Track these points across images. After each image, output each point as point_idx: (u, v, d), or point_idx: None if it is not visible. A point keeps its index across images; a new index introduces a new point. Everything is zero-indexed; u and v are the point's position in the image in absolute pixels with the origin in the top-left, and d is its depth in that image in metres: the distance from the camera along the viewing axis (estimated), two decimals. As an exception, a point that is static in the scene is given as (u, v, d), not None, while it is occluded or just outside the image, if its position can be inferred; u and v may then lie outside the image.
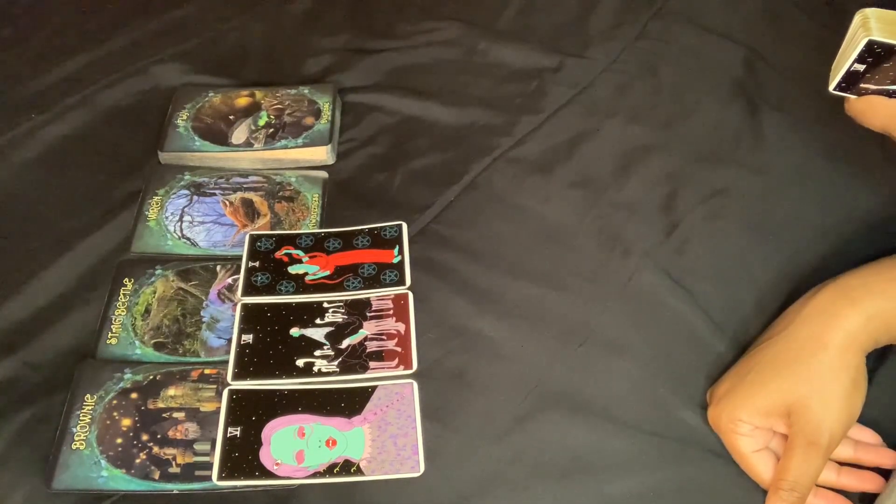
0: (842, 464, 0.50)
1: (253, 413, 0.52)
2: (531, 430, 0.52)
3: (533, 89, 0.74)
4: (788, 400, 0.48)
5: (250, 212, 0.65)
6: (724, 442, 0.51)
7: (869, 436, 0.51)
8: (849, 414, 0.48)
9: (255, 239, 0.63)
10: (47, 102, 0.73)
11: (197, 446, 0.51)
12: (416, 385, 0.54)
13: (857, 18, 0.52)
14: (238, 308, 0.58)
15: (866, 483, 0.49)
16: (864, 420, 0.50)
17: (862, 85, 0.53)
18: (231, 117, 0.71)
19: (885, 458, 0.50)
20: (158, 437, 0.51)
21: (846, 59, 0.52)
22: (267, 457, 0.51)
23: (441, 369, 0.55)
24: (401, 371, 0.55)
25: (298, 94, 0.73)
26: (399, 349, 0.56)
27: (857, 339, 0.48)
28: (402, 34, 0.81)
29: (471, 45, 0.79)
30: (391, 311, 0.58)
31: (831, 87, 0.55)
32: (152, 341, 0.57)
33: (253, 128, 0.70)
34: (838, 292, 0.50)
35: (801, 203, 0.64)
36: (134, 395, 0.53)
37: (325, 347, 0.56)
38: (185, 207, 0.65)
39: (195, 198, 0.66)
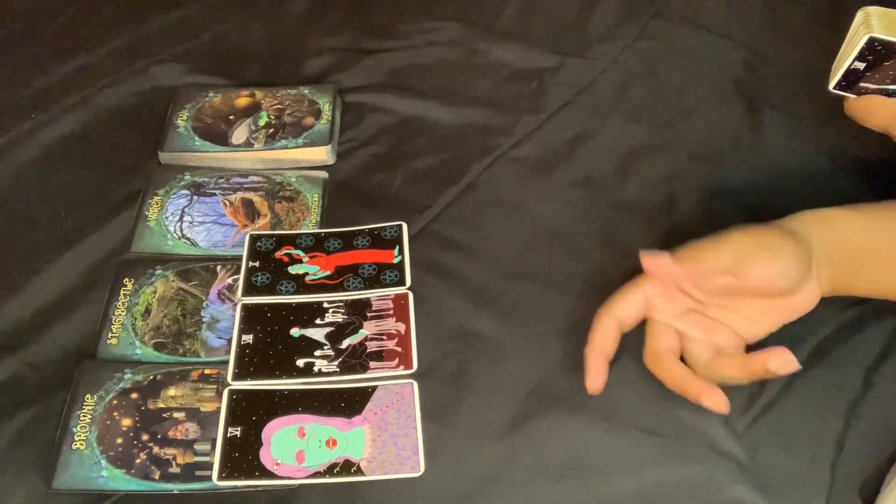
0: None
1: (253, 413, 0.52)
2: (531, 430, 0.52)
3: (533, 89, 0.74)
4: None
5: (250, 212, 0.65)
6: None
7: None
8: (765, 242, 0.49)
9: (255, 239, 0.63)
10: (47, 102, 0.73)
11: (197, 446, 0.51)
12: (416, 385, 0.54)
13: (859, 16, 0.52)
14: (238, 308, 0.58)
15: (774, 354, 0.47)
16: (863, 420, 0.50)
17: (862, 84, 0.53)
18: (231, 117, 0.71)
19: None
20: (158, 437, 0.51)
21: (847, 57, 0.52)
22: (267, 457, 0.51)
23: (441, 369, 0.55)
24: (401, 371, 0.55)
25: (298, 94, 0.73)
26: (399, 349, 0.56)
27: (807, 221, 0.50)
28: (402, 34, 0.81)
29: (471, 45, 0.79)
30: (391, 311, 0.58)
31: (831, 86, 0.55)
32: (152, 341, 0.57)
33: (253, 128, 0.70)
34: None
35: (800, 203, 0.64)
36: (134, 395, 0.53)
37: (326, 347, 0.56)
38: (185, 207, 0.65)
39: (195, 198, 0.66)
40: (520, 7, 0.83)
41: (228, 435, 0.51)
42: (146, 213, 0.64)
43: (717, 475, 0.50)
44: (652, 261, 0.49)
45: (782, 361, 0.46)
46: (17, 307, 0.58)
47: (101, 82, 0.75)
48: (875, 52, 0.51)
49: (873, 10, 0.51)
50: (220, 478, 0.50)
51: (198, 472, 0.50)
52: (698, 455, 0.51)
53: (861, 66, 0.52)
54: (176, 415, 0.52)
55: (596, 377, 0.50)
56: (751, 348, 0.51)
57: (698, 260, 0.49)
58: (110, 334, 0.57)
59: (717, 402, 0.48)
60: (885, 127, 0.54)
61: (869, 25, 0.51)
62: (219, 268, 0.61)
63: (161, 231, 0.63)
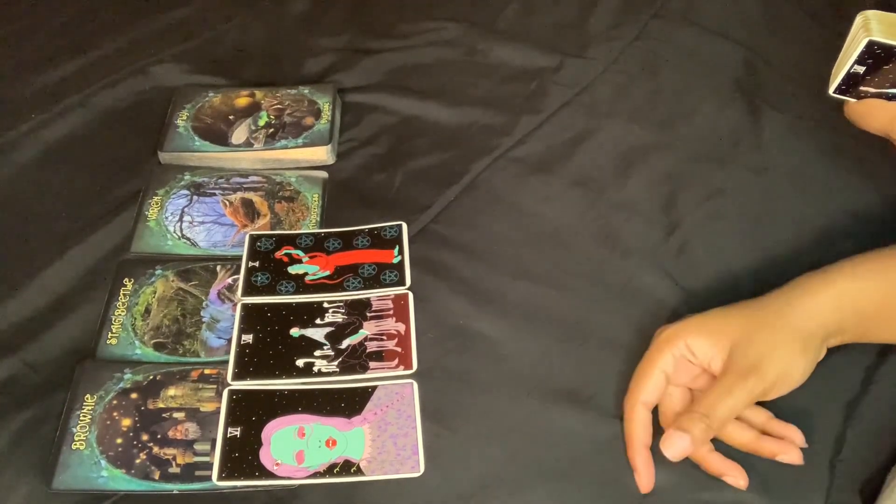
0: None
1: (253, 413, 0.53)
2: (531, 430, 0.52)
3: (533, 89, 0.74)
4: (737, 332, 0.48)
5: (250, 212, 0.65)
6: (646, 355, 0.51)
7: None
8: (785, 371, 0.47)
9: (255, 239, 0.63)
10: (47, 102, 0.73)
11: (197, 446, 0.51)
12: (416, 385, 0.54)
13: (858, 20, 0.52)
14: (238, 308, 0.58)
15: (785, 450, 0.48)
16: (863, 420, 0.50)
17: (861, 88, 0.53)
18: (231, 117, 0.71)
19: (794, 434, 0.50)
20: (158, 437, 0.51)
21: (846, 60, 0.52)
22: (267, 457, 0.51)
23: (441, 369, 0.55)
24: (401, 371, 0.55)
25: (298, 94, 0.73)
26: (399, 349, 0.56)
27: (823, 313, 0.49)
28: (402, 34, 0.81)
29: (471, 45, 0.79)
30: (391, 312, 0.58)
31: (831, 90, 0.55)
32: (152, 341, 0.57)
33: (253, 128, 0.70)
34: (816, 272, 0.51)
35: (801, 203, 0.64)
36: (134, 395, 0.53)
37: (325, 347, 0.56)
38: (185, 207, 0.65)
39: (195, 198, 0.66)
40: (520, 7, 0.83)
41: (228, 435, 0.51)
42: (146, 213, 0.64)
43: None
44: (677, 452, 0.47)
45: (791, 458, 0.48)
46: (17, 307, 0.58)
47: (101, 82, 0.75)
48: (874, 56, 0.51)
49: (872, 14, 0.51)
50: (220, 478, 0.50)
51: (198, 472, 0.50)
52: (698, 455, 0.51)
53: (861, 69, 0.52)
54: (176, 415, 0.52)
55: (648, 476, 0.49)
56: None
57: (717, 421, 0.47)
58: (110, 334, 0.57)
59: (740, 482, 0.48)
60: (885, 130, 0.54)
61: (868, 29, 0.51)
62: (219, 268, 0.61)
63: (161, 231, 0.63)
